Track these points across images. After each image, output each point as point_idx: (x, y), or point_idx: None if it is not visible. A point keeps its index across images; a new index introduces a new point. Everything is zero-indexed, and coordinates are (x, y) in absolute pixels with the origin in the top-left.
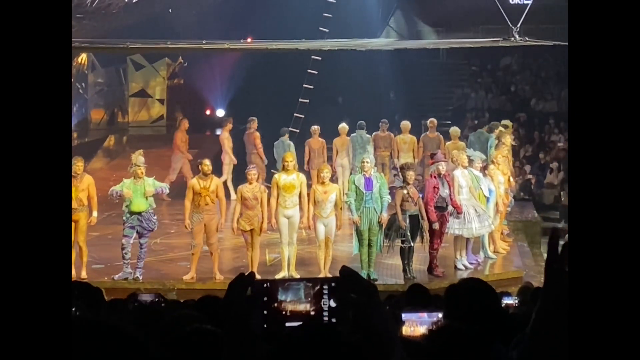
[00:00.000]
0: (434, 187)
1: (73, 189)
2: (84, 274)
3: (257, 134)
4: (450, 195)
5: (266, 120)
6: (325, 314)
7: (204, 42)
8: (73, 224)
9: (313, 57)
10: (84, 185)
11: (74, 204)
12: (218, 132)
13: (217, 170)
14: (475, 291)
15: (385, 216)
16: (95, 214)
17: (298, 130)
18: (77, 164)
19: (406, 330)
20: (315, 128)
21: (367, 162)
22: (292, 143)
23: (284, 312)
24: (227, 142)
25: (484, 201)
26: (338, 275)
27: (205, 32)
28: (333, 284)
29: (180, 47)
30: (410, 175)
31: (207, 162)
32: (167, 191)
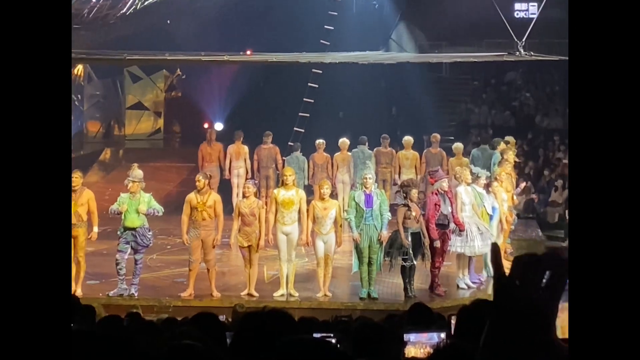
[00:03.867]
0: (435, 204)
1: (72, 204)
2: (79, 291)
3: (277, 148)
4: (452, 212)
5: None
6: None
7: (202, 54)
8: (72, 240)
9: (314, 70)
10: (83, 200)
11: (72, 219)
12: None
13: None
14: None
15: (385, 234)
16: (96, 229)
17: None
18: (75, 178)
19: (409, 350)
20: (320, 142)
21: (368, 178)
22: (305, 159)
23: None
24: (240, 155)
25: (487, 219)
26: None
27: (204, 44)
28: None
29: (178, 59)
30: (414, 192)
31: (199, 177)
32: (161, 214)
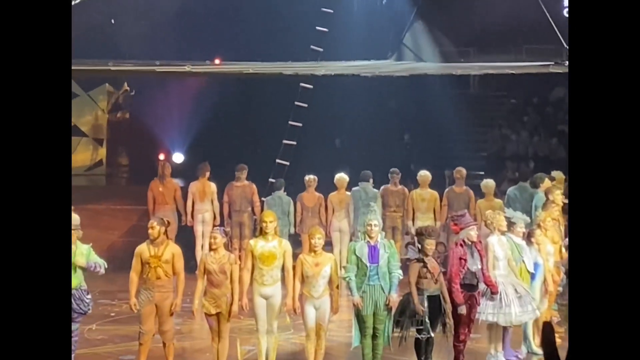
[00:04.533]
0: (460, 259)
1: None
2: None
3: (254, 186)
4: (482, 269)
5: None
6: None
7: (157, 63)
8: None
9: (302, 84)
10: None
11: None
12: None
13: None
14: None
15: (395, 297)
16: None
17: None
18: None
19: None
20: (311, 179)
21: (374, 225)
22: (291, 200)
23: None
24: (206, 195)
25: (528, 278)
26: None
27: (159, 50)
28: None
29: (125, 69)
30: (430, 243)
31: (153, 223)
32: (103, 271)
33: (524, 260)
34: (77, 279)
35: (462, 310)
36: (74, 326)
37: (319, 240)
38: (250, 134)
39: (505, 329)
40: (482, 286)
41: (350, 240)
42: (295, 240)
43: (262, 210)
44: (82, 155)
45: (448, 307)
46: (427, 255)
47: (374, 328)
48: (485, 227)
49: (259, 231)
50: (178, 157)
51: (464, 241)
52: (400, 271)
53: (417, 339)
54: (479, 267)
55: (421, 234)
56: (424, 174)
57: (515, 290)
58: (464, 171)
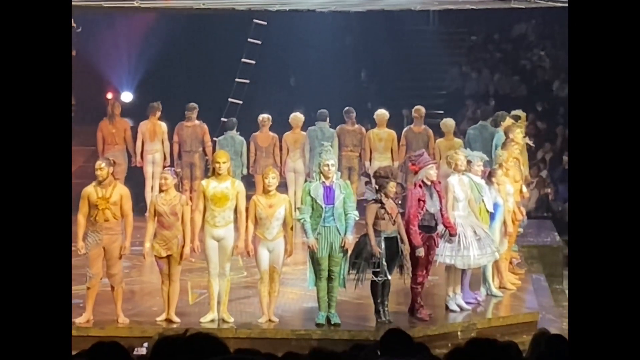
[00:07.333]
0: (419, 200)
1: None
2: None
3: (205, 126)
4: (441, 210)
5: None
6: None
7: None
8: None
9: (256, 20)
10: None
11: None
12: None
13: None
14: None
15: (350, 239)
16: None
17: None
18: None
19: None
20: (265, 118)
21: (330, 165)
22: (244, 140)
23: None
24: (156, 135)
25: (487, 219)
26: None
27: None
28: None
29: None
30: (393, 185)
31: (101, 164)
32: None
33: (483, 199)
34: None
35: (420, 252)
36: None
37: (272, 180)
38: (202, 72)
39: (464, 271)
40: (440, 228)
41: (305, 181)
42: (249, 182)
43: (213, 150)
44: None
45: (406, 249)
46: (386, 197)
47: (329, 270)
48: (445, 167)
49: (211, 172)
50: (127, 96)
51: (423, 182)
52: (356, 212)
53: (373, 282)
54: (438, 208)
55: (381, 175)
56: (381, 113)
57: (475, 232)
58: (422, 110)
